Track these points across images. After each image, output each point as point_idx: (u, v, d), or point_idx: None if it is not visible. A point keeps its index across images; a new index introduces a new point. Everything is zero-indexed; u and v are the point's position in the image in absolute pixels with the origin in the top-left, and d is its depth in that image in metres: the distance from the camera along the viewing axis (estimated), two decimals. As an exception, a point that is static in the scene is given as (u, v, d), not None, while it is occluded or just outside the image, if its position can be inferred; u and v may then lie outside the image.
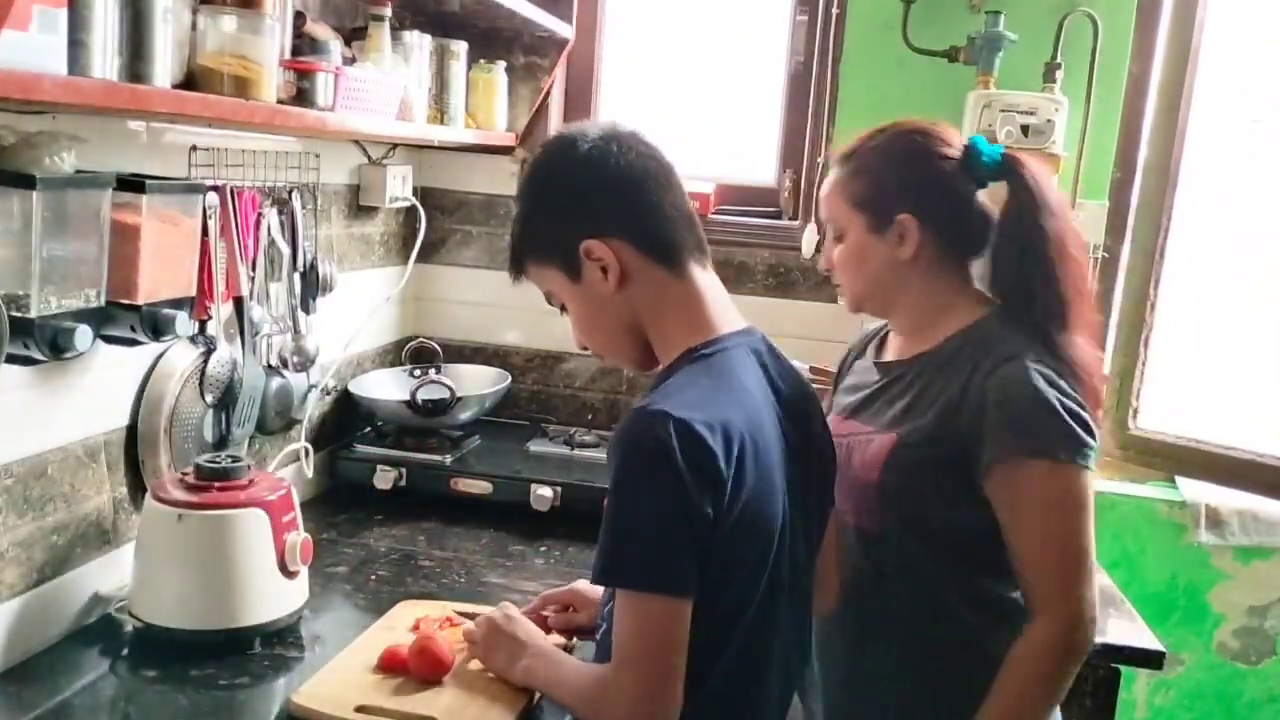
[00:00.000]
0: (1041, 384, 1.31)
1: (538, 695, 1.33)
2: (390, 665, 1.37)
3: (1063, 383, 1.33)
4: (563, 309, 1.28)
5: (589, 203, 1.20)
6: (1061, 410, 1.30)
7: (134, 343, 1.41)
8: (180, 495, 1.44)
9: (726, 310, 1.25)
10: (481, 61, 2.27)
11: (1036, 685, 1.31)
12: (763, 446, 1.14)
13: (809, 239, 2.34)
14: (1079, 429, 1.30)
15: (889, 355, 1.51)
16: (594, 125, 1.24)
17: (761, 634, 1.20)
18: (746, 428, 1.12)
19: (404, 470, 2.09)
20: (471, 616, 1.45)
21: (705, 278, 1.24)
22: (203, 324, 1.60)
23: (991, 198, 1.44)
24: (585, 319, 1.26)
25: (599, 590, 1.35)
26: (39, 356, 1.25)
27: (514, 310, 2.50)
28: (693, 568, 1.09)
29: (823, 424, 1.34)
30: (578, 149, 1.21)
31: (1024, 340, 1.36)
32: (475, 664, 1.40)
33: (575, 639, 1.46)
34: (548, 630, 1.44)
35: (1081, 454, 1.30)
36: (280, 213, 1.77)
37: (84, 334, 1.28)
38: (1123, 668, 1.79)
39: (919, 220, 1.40)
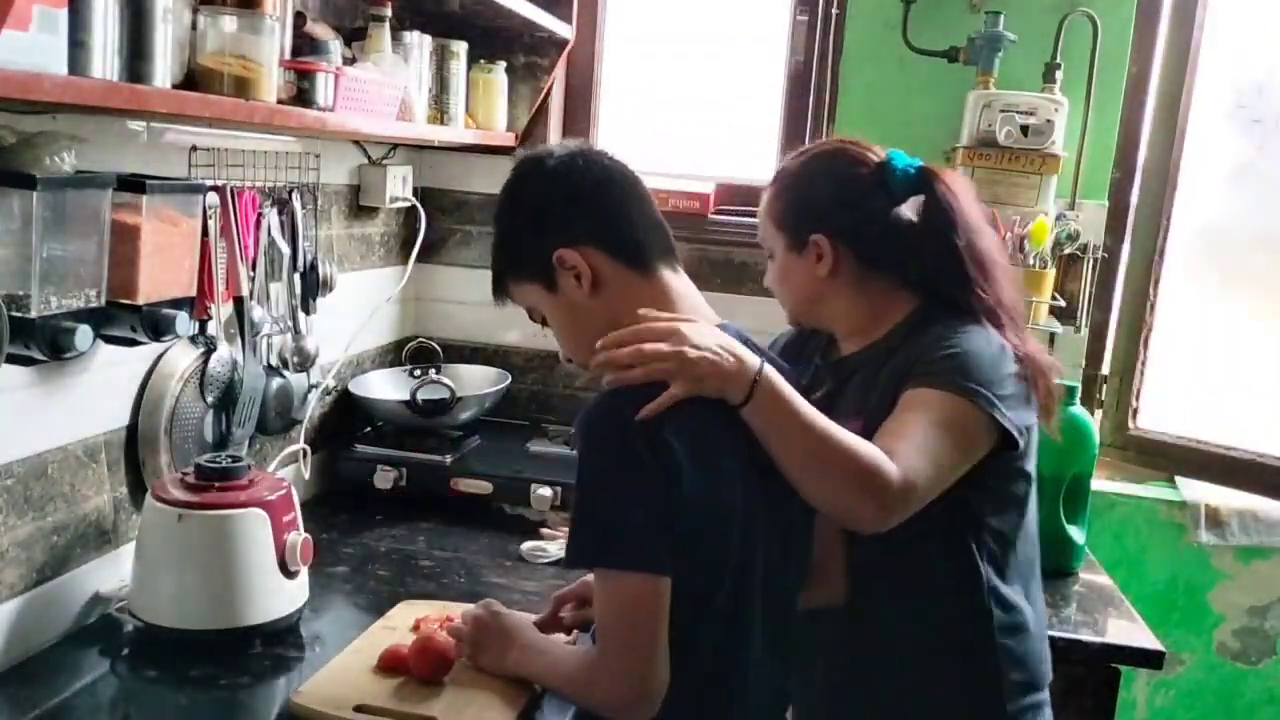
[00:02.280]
0: (954, 335, 1.35)
1: (539, 694, 1.33)
2: (390, 665, 1.37)
3: (982, 340, 1.35)
4: (544, 323, 1.32)
5: (558, 213, 1.24)
6: (965, 355, 1.32)
7: (134, 343, 1.41)
8: (180, 495, 1.44)
9: (699, 309, 1.27)
10: (481, 61, 2.27)
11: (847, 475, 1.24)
12: (716, 434, 1.16)
13: (809, 239, 2.34)
14: (980, 373, 1.31)
15: (841, 354, 1.52)
16: (560, 144, 1.30)
17: (734, 623, 1.20)
18: (700, 414, 1.14)
19: (404, 470, 2.09)
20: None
21: (676, 280, 1.27)
22: (203, 324, 1.61)
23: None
24: (565, 328, 1.29)
25: None
26: (39, 356, 1.25)
27: (514, 310, 2.46)
28: (665, 546, 1.11)
29: None
30: (544, 165, 1.26)
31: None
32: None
33: (575, 633, 1.46)
34: (566, 630, 1.44)
35: (974, 394, 1.29)
36: (280, 213, 1.77)
37: (84, 334, 1.28)
38: (1123, 668, 1.79)
39: (830, 239, 1.43)
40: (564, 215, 1.24)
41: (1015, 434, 1.31)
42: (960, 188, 1.45)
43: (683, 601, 1.13)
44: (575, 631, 1.46)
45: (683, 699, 1.14)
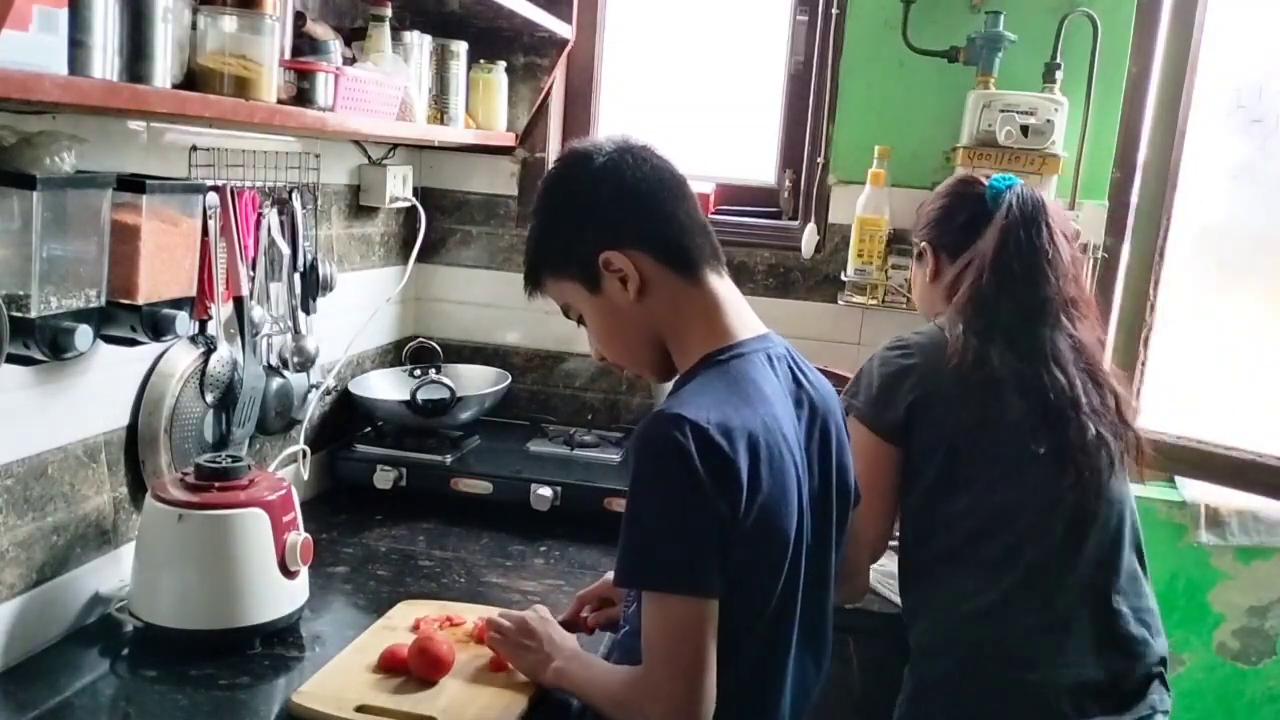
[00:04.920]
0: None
1: (539, 696, 1.34)
2: (390, 665, 1.37)
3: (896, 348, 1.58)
4: (580, 321, 1.29)
5: (606, 214, 1.22)
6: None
7: (134, 343, 1.41)
8: (180, 495, 1.44)
9: (744, 317, 1.25)
10: (481, 61, 2.27)
11: None
12: (777, 451, 1.14)
13: (809, 239, 2.34)
14: (858, 387, 1.59)
15: None
16: (607, 140, 1.26)
17: (778, 633, 1.20)
18: (761, 431, 1.13)
19: (404, 470, 2.09)
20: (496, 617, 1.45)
21: (722, 285, 1.25)
22: (203, 324, 1.61)
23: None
24: (605, 330, 1.27)
25: None
26: (39, 356, 1.25)
27: (514, 310, 2.50)
28: (715, 568, 1.09)
29: (844, 428, 1.33)
30: (593, 162, 1.23)
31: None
32: (476, 663, 1.40)
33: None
34: (589, 629, 1.44)
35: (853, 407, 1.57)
36: (280, 213, 1.77)
37: (84, 334, 1.28)
38: (1123, 668, 1.78)
39: (932, 246, 1.70)
40: (612, 217, 1.21)
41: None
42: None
43: (733, 614, 1.12)
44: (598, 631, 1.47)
45: (725, 703, 1.13)
